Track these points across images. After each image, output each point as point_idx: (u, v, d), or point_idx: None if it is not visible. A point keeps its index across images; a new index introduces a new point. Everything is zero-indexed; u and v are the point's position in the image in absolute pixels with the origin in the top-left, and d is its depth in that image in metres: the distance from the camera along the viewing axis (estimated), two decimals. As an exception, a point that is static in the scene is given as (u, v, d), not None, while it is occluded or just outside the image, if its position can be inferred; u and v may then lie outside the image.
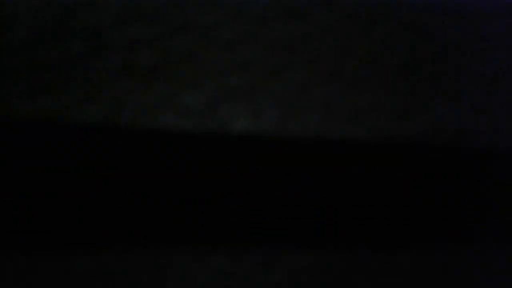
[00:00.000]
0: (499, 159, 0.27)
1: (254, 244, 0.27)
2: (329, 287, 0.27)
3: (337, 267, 0.27)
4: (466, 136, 0.25)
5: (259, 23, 0.25)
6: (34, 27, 0.24)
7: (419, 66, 0.25)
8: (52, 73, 0.24)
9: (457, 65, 0.25)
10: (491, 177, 0.28)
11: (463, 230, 0.28)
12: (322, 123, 0.25)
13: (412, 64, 0.25)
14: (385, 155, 0.27)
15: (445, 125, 0.25)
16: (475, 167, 0.28)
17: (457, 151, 0.27)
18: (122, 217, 0.26)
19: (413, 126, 0.25)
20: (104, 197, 0.26)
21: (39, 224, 0.26)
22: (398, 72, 0.25)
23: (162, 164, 0.27)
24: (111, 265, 0.26)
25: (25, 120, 0.24)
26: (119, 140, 0.26)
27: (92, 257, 0.26)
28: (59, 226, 0.26)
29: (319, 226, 0.27)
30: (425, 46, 0.25)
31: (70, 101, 0.24)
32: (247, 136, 0.25)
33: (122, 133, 0.25)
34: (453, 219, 0.28)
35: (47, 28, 0.24)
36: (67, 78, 0.24)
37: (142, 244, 0.26)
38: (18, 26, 0.24)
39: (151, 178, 0.26)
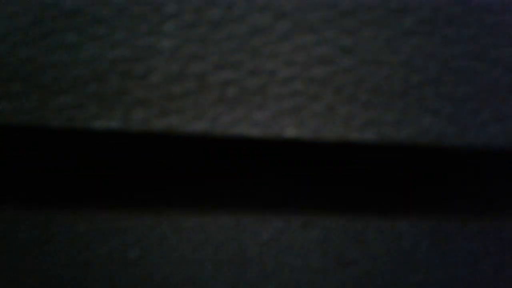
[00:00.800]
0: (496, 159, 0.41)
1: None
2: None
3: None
4: (464, 136, 0.39)
5: (302, 66, 0.39)
6: (167, 71, 0.39)
7: (410, 90, 0.39)
8: (177, 101, 0.39)
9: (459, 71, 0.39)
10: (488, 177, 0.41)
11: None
12: (343, 131, 0.39)
13: (406, 90, 0.39)
14: (386, 153, 0.40)
15: (443, 127, 0.39)
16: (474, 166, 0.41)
17: (455, 152, 0.40)
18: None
19: (405, 132, 0.39)
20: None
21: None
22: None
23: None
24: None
25: (160, 131, 0.39)
26: (215, 146, 0.40)
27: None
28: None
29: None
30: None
31: (187, 119, 0.39)
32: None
33: (218, 140, 0.39)
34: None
35: (175, 72, 0.39)
36: (185, 104, 0.39)
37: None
38: (157, 71, 0.39)
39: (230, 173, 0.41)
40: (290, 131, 0.39)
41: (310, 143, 0.40)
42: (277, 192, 0.41)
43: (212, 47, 0.39)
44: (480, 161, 0.41)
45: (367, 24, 0.39)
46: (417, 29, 0.39)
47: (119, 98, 0.38)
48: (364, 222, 0.41)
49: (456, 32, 0.39)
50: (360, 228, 0.41)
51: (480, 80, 0.39)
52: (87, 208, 0.40)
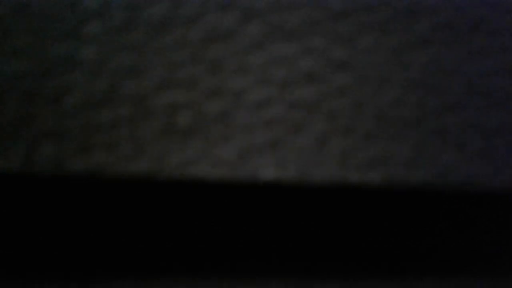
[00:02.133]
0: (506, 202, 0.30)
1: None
2: None
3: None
4: (473, 182, 0.28)
5: (282, 85, 0.28)
6: (90, 92, 0.27)
7: (426, 118, 0.29)
8: (103, 133, 0.27)
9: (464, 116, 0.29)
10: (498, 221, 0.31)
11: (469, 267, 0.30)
12: (339, 171, 0.28)
13: (420, 117, 0.29)
14: (396, 200, 0.29)
15: (451, 172, 0.28)
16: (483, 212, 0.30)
17: (464, 197, 0.30)
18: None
19: (421, 173, 0.28)
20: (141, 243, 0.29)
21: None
22: (407, 124, 0.28)
23: (195, 211, 0.29)
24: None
25: (78, 174, 0.27)
26: (162, 191, 0.28)
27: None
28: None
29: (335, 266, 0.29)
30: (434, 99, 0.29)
31: (118, 157, 0.27)
32: (272, 184, 0.28)
33: (164, 185, 0.28)
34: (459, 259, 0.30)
35: (100, 94, 0.27)
36: (117, 137, 0.27)
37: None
38: (76, 92, 0.27)
39: (191, 226, 0.29)
40: (267, 172, 0.27)
41: (294, 187, 0.28)
42: (249, 252, 0.29)
43: (153, 58, 0.28)
44: None
45: (367, 30, 0.29)
46: (433, 36, 0.29)
47: (19, 129, 0.26)
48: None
49: (485, 41, 0.29)
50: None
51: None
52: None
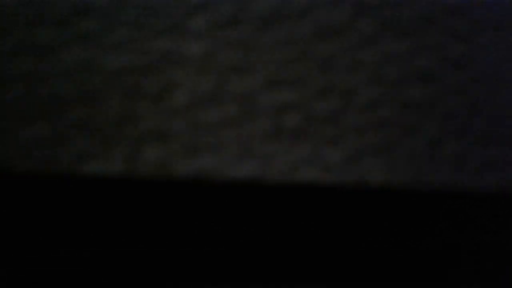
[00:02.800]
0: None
1: None
2: None
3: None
4: None
5: (393, 85, 0.27)
6: (196, 90, 0.26)
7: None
8: (211, 134, 0.25)
9: None
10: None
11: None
12: (454, 175, 0.26)
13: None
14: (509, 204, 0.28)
15: None
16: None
17: None
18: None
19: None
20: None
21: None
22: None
23: (301, 215, 0.28)
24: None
25: (183, 178, 0.25)
26: (265, 195, 0.27)
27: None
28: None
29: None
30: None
31: (224, 160, 0.26)
32: (382, 189, 0.26)
33: (269, 189, 0.26)
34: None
35: (207, 92, 0.26)
36: (224, 138, 0.26)
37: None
38: (181, 89, 0.26)
39: (295, 230, 0.28)
40: (377, 176, 0.26)
41: (405, 191, 0.27)
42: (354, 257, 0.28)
43: (261, 55, 0.26)
44: None
45: (484, 27, 0.27)
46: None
47: (121, 129, 0.25)
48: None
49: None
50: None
51: None
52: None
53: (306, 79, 0.27)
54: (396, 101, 0.27)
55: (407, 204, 0.28)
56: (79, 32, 0.25)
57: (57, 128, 0.25)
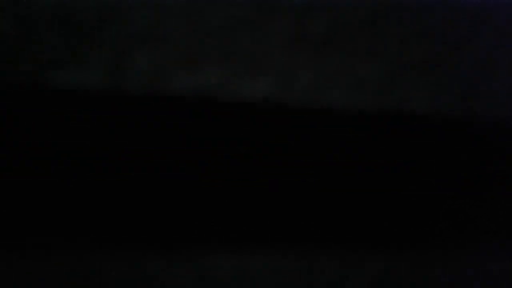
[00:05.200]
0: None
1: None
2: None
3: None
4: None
5: None
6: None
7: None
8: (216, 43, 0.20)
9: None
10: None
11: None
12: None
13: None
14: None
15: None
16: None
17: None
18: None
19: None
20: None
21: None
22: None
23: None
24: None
25: (184, 94, 0.20)
26: (285, 115, 0.21)
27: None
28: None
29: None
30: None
31: (232, 75, 0.20)
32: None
33: (289, 108, 0.21)
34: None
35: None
36: (234, 46, 0.20)
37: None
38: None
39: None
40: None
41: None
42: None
43: None
44: None
45: None
46: None
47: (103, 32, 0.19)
48: None
49: None
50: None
51: None
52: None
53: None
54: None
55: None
56: None
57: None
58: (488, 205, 0.25)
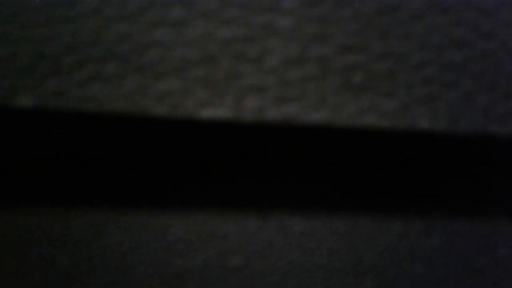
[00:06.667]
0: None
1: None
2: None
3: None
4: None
5: (436, 50, 0.35)
6: (285, 54, 0.34)
7: None
8: (296, 87, 0.34)
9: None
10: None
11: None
12: (483, 122, 0.35)
13: None
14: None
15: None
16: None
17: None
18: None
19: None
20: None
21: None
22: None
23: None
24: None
25: (275, 122, 0.34)
26: (338, 138, 0.35)
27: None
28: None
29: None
30: None
31: (306, 107, 0.34)
32: (427, 132, 0.35)
33: (338, 132, 0.35)
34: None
35: (294, 56, 0.34)
36: (307, 91, 0.34)
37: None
38: (274, 54, 0.34)
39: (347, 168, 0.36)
40: (423, 123, 0.34)
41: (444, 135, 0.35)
42: (404, 191, 0.37)
43: (335, 26, 0.34)
44: None
45: (506, 4, 0.35)
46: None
47: (229, 84, 0.33)
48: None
49: None
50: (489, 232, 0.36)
51: None
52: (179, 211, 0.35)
53: (369, 45, 0.35)
54: (438, 63, 0.35)
55: (446, 147, 0.36)
56: (201, 10, 0.33)
57: (183, 82, 0.33)
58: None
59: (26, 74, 0.32)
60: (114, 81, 0.33)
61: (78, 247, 0.34)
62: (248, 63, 0.34)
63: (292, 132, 0.35)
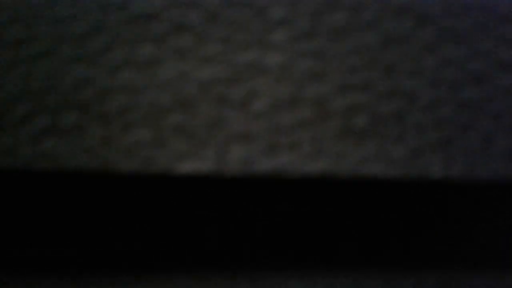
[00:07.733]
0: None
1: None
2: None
3: None
4: None
5: (450, 87, 0.30)
6: (275, 96, 0.29)
7: None
8: (288, 135, 0.29)
9: None
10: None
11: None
12: (506, 168, 0.30)
13: None
14: None
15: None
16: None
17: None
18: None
19: None
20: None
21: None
22: None
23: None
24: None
25: (264, 175, 0.29)
26: (338, 190, 0.30)
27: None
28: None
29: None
30: None
31: (299, 157, 0.29)
32: (441, 182, 0.30)
33: (340, 183, 0.30)
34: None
35: (285, 98, 0.29)
36: (300, 138, 0.29)
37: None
38: (262, 96, 0.29)
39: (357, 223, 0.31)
40: (437, 170, 0.29)
41: (461, 184, 0.30)
42: (418, 246, 0.32)
43: (333, 62, 0.29)
44: None
45: (530, 32, 0.30)
46: None
47: (210, 132, 0.28)
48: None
49: None
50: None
51: None
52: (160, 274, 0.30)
53: (373, 83, 0.30)
54: (453, 101, 0.30)
55: (462, 197, 0.31)
56: (175, 47, 0.28)
57: (156, 132, 0.28)
58: None
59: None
60: (72, 134, 0.28)
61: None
62: (232, 107, 0.29)
63: (285, 187, 0.30)
